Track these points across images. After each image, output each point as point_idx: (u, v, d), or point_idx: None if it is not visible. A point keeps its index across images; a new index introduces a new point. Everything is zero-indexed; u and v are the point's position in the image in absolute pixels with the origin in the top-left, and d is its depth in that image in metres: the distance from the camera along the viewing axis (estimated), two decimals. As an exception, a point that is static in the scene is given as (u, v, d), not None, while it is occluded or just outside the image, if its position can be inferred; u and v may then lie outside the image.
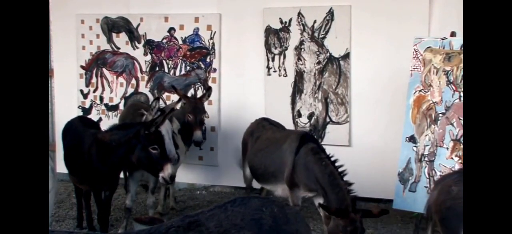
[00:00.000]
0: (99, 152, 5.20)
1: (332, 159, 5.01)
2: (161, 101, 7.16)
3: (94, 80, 8.14)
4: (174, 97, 7.56)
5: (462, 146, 5.47)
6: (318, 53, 7.06)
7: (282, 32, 7.19)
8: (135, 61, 7.94)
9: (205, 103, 6.81)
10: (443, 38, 5.85)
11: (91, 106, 8.17)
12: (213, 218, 2.63)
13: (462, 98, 5.57)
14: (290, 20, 7.14)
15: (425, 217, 4.12)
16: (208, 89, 6.68)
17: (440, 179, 4.01)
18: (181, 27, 7.63)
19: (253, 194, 5.96)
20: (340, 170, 4.93)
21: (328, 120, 7.11)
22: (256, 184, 6.25)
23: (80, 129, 5.69)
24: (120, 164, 5.37)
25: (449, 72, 5.69)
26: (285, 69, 7.23)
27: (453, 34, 5.93)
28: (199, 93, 7.57)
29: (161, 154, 5.00)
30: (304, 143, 5.18)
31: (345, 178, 4.90)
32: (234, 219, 2.62)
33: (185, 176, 7.16)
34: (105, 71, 8.08)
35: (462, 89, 5.57)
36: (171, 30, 7.70)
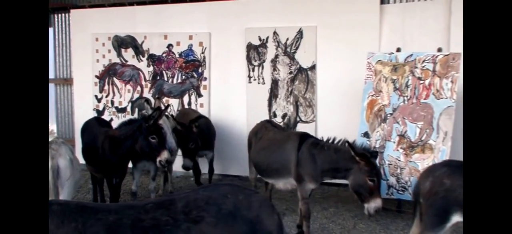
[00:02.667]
0: (110, 146, 5.23)
1: (329, 141, 4.90)
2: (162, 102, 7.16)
3: (106, 87, 8.16)
4: (171, 101, 7.70)
5: (405, 140, 5.59)
6: (290, 65, 7.14)
7: (261, 48, 7.27)
8: (140, 72, 7.97)
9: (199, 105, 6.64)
10: (391, 53, 6.01)
11: (104, 109, 8.19)
12: (184, 199, 2.57)
13: (405, 102, 5.68)
14: (267, 38, 7.23)
15: (413, 202, 4.00)
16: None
17: (428, 171, 3.88)
18: (178, 43, 7.70)
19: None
20: (340, 143, 4.80)
21: (298, 119, 7.16)
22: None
23: (95, 127, 5.69)
24: (127, 154, 5.34)
25: (396, 80, 5.82)
26: (263, 78, 7.30)
27: (398, 49, 6.13)
28: (193, 98, 7.57)
29: (159, 142, 5.07)
30: (304, 140, 5.03)
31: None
32: (200, 202, 2.55)
33: (181, 165, 6.94)
34: (115, 80, 8.10)
35: (405, 94, 5.69)
36: (169, 46, 7.73)
